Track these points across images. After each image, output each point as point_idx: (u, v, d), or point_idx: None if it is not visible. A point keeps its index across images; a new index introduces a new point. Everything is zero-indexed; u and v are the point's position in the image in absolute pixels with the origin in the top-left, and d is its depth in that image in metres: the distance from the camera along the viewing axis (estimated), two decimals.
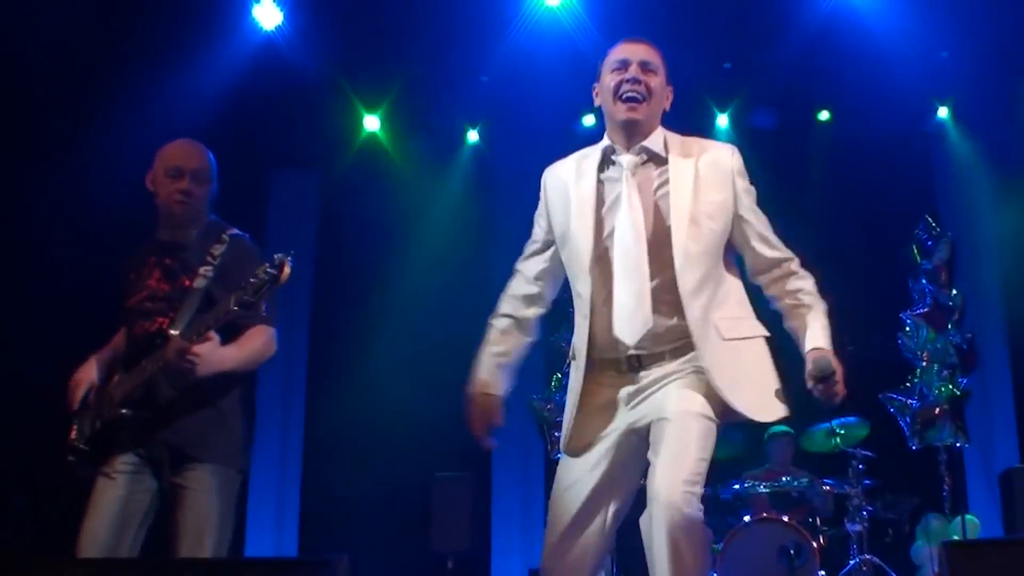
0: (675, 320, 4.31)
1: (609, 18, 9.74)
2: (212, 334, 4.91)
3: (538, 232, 4.75)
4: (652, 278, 4.32)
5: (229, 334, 5.06)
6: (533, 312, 4.78)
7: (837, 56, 10.45)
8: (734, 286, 4.48)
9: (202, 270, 5.04)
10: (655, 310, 4.29)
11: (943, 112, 11.50)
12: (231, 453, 5.21)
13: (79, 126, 9.77)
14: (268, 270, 4.70)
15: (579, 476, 4.41)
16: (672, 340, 4.34)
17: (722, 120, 11.46)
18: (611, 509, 4.40)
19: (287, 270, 4.71)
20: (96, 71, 9.89)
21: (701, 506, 4.04)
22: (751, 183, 4.56)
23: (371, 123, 11.84)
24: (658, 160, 4.51)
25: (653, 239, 4.35)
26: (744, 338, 4.40)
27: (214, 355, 4.94)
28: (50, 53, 9.64)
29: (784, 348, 4.52)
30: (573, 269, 4.52)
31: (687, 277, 4.30)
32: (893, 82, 10.52)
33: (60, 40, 9.58)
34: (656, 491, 4.03)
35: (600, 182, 4.53)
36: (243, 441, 5.33)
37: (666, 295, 4.32)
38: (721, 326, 4.34)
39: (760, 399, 4.34)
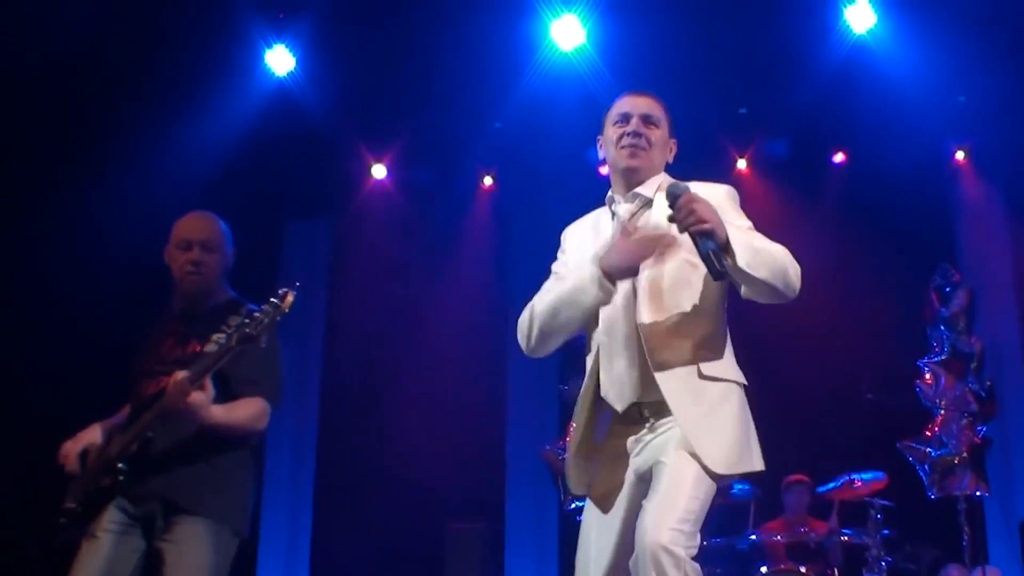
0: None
1: (623, 64, 9.71)
2: (208, 386, 4.86)
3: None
4: (649, 326, 4.30)
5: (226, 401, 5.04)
6: None
7: (854, 100, 10.40)
8: (721, 321, 4.42)
9: (215, 337, 4.99)
10: (643, 364, 4.29)
11: (960, 156, 11.44)
12: (228, 511, 5.11)
13: (90, 174, 9.76)
14: (271, 300, 4.77)
15: (601, 528, 4.39)
16: None
17: (741, 163, 11.36)
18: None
19: (290, 299, 4.79)
20: (109, 118, 9.89)
21: (690, 545, 3.98)
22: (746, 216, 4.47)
23: (381, 171, 11.84)
24: (650, 205, 4.53)
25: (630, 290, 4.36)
26: (718, 379, 4.31)
27: (203, 406, 4.87)
28: (62, 100, 9.66)
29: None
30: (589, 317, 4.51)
31: (648, 315, 4.30)
32: (910, 126, 10.48)
33: (72, 87, 9.60)
34: (643, 531, 4.00)
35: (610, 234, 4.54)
36: (243, 501, 5.24)
37: None
38: (701, 361, 4.29)
39: (723, 449, 4.21)
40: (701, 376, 4.26)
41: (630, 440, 4.36)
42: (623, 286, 4.34)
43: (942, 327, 9.62)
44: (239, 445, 5.16)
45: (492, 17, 9.62)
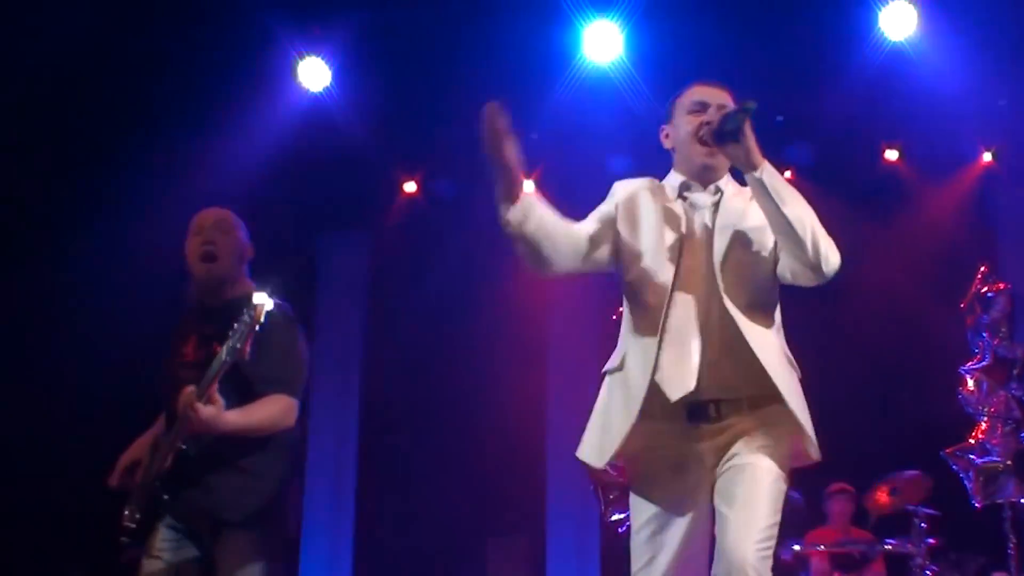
0: (749, 362, 4.16)
1: (658, 73, 9.68)
2: (216, 397, 4.85)
3: (592, 222, 4.48)
4: (715, 317, 4.22)
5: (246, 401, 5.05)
6: (576, 239, 4.42)
7: (892, 105, 10.36)
8: (779, 312, 4.38)
9: (231, 334, 5.01)
10: (724, 352, 4.19)
11: (1000, 160, 11.34)
12: (270, 519, 5.13)
13: (124, 191, 9.80)
14: (246, 311, 4.75)
15: (663, 546, 4.26)
16: (749, 386, 4.20)
17: (787, 174, 11.28)
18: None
19: (261, 310, 4.74)
20: (142, 134, 9.93)
21: (771, 556, 4.01)
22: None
23: (416, 182, 11.93)
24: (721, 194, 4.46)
25: (712, 272, 4.26)
26: (791, 361, 4.30)
27: (216, 418, 4.87)
28: (95, 116, 9.70)
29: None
30: (646, 292, 4.34)
31: (736, 303, 4.20)
32: (949, 131, 10.44)
33: (105, 104, 9.65)
34: (729, 550, 3.98)
35: (682, 213, 4.40)
36: (284, 507, 5.25)
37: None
38: (779, 344, 4.28)
39: (807, 432, 4.19)
40: (785, 357, 4.24)
41: (701, 447, 4.24)
42: (702, 265, 4.27)
43: (984, 333, 9.51)
44: (274, 450, 5.15)
45: (527, 26, 9.62)
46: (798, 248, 4.08)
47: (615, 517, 9.14)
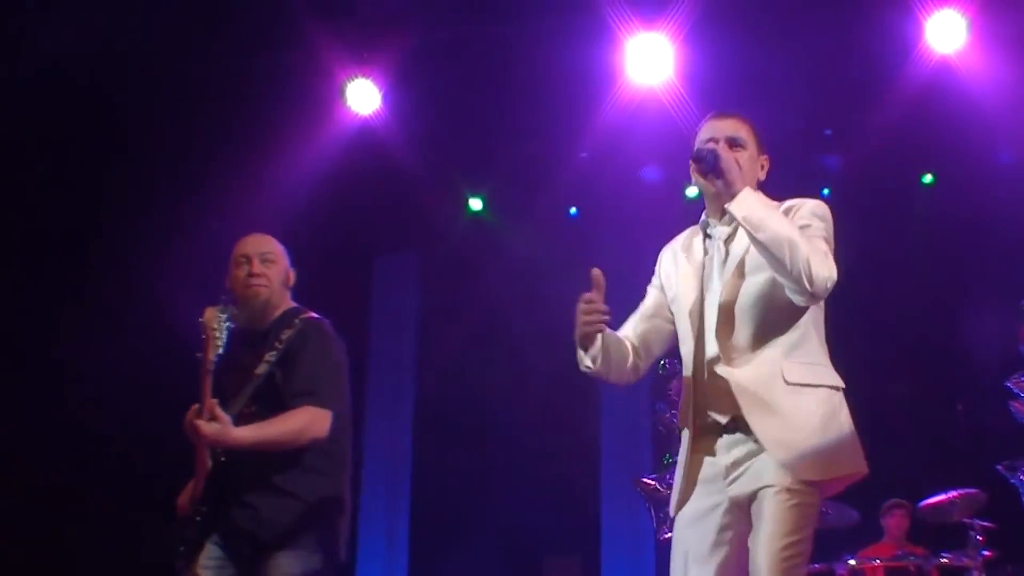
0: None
1: (706, 89, 9.68)
2: (219, 413, 4.91)
3: (648, 300, 4.77)
4: (730, 340, 4.30)
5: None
6: (637, 351, 4.70)
7: (939, 120, 10.31)
8: (811, 331, 4.36)
9: (268, 356, 5.07)
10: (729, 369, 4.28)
11: None
12: (316, 540, 5.13)
13: (176, 216, 9.87)
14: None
15: (696, 554, 4.31)
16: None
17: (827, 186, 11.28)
18: None
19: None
20: (193, 160, 10.01)
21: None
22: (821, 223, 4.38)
23: (471, 203, 11.94)
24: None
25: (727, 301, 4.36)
26: (808, 384, 4.26)
27: (221, 433, 4.93)
28: (148, 141, 9.79)
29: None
30: (680, 334, 4.53)
31: (735, 332, 4.30)
32: (996, 147, 10.39)
33: (158, 129, 9.73)
34: (757, 570, 4.04)
35: (706, 252, 4.51)
36: (331, 529, 5.25)
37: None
38: (786, 369, 4.24)
39: (808, 455, 4.16)
40: (787, 383, 4.21)
41: (722, 463, 4.30)
42: (708, 304, 4.39)
43: None
44: (309, 466, 5.17)
45: (575, 46, 9.64)
46: (780, 269, 4.11)
47: (668, 535, 9.14)
